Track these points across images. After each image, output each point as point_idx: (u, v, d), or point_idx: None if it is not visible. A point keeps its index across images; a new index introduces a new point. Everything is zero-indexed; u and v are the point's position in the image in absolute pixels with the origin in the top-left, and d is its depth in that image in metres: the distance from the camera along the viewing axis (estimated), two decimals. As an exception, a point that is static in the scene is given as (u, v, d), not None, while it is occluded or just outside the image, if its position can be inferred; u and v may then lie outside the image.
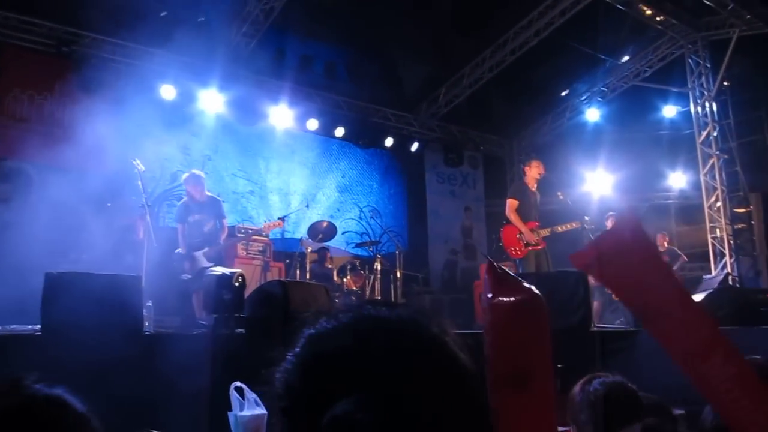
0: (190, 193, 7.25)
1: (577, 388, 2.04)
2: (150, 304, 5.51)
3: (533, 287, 1.32)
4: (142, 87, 9.74)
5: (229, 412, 2.85)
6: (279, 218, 8.17)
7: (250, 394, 2.86)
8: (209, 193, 7.42)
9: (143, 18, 9.70)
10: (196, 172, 7.59)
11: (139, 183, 6.60)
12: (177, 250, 7.16)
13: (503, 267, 1.40)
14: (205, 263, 6.92)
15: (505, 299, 1.29)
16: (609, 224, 10.28)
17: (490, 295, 1.31)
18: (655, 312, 1.35)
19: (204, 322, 5.49)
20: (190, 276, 6.93)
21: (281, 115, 11.01)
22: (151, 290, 6.39)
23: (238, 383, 2.85)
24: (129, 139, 9.94)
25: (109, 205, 9.01)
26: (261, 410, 2.87)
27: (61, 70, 9.47)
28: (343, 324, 0.83)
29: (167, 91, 9.85)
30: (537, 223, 7.37)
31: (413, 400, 0.74)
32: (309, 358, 0.81)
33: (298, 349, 0.83)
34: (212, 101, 10.20)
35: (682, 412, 5.02)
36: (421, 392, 0.75)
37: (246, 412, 2.81)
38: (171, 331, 5.36)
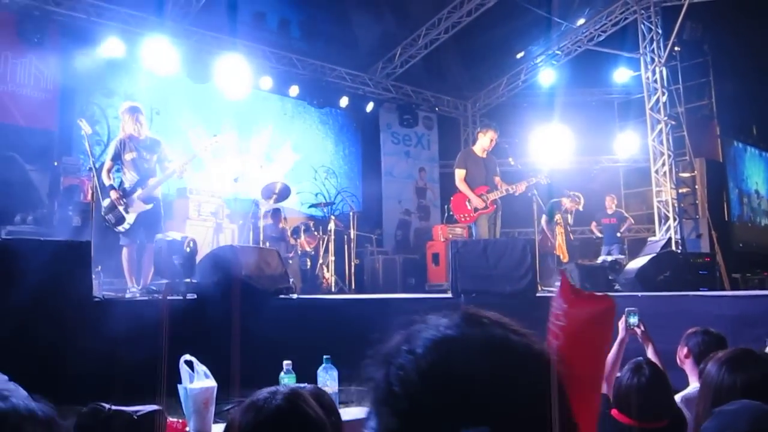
0: (127, 128, 6.54)
1: None
2: (99, 269, 5.44)
3: (610, 298, 1.43)
4: (88, 41, 9.42)
5: (178, 385, 2.88)
6: (214, 135, 7.24)
7: (200, 366, 2.89)
8: (150, 134, 6.75)
9: (88, -31, 9.33)
10: (135, 104, 6.86)
11: (86, 145, 6.40)
12: (105, 202, 6.36)
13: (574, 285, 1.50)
14: (142, 207, 6.36)
15: (583, 309, 1.38)
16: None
17: (566, 305, 1.38)
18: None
19: (155, 288, 5.47)
20: (126, 227, 6.30)
21: (233, 73, 10.74)
22: (101, 254, 6.32)
23: (187, 356, 2.87)
24: (75, 94, 9.68)
25: (56, 164, 8.80)
26: (211, 382, 2.91)
27: (1, 22, 9.06)
28: (472, 339, 0.78)
29: (114, 46, 9.51)
30: (486, 188, 7.46)
31: None
32: (437, 366, 0.76)
33: (419, 351, 0.78)
34: (162, 57, 9.86)
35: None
36: None
37: (195, 385, 2.84)
38: (121, 297, 5.31)
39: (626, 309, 3.39)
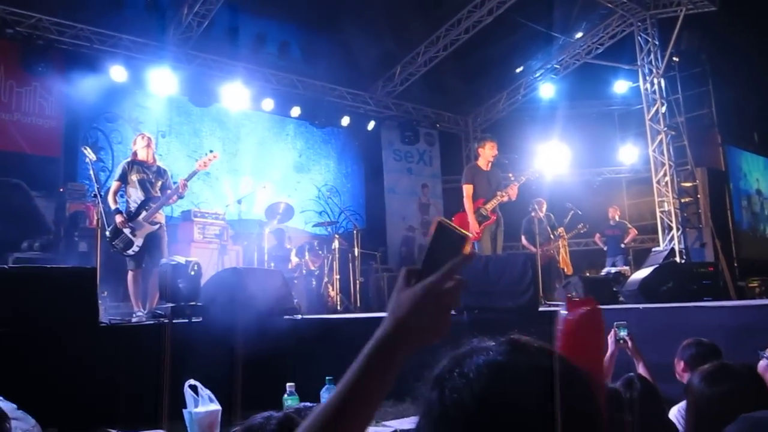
0: (137, 151, 6.71)
1: None
2: (105, 294, 5.50)
3: (597, 305, 1.57)
4: (91, 68, 9.56)
5: (183, 410, 2.93)
6: (210, 151, 7.11)
7: (204, 391, 2.93)
8: (159, 162, 6.90)
9: (91, -3, 9.50)
10: (146, 133, 7.07)
11: (91, 172, 6.50)
12: (110, 230, 6.47)
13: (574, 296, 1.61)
14: (148, 228, 6.48)
15: (577, 313, 1.53)
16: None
17: (565, 312, 1.54)
18: None
19: (160, 312, 5.53)
20: (136, 249, 6.43)
21: (235, 96, 10.89)
22: (107, 279, 6.39)
23: (191, 381, 2.92)
24: (80, 120, 9.80)
25: (61, 190, 8.90)
26: (215, 406, 2.95)
27: (5, 52, 9.23)
28: (520, 365, 0.82)
29: (117, 73, 9.66)
30: (483, 200, 7.52)
31: None
32: (490, 391, 0.79)
33: (472, 375, 0.81)
34: (164, 82, 10.03)
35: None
36: None
37: (200, 409, 2.89)
38: (126, 322, 5.37)
39: (615, 323, 3.41)
